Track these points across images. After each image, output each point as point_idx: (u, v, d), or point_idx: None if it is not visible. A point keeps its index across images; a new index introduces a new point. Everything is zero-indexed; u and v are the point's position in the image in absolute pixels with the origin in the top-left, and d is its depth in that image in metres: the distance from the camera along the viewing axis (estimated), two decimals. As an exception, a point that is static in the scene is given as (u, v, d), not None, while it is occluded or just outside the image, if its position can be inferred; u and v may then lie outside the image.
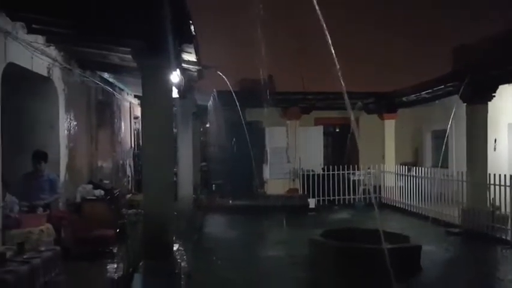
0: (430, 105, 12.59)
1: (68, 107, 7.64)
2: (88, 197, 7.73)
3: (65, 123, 7.55)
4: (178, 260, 5.37)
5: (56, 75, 7.16)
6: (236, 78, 13.02)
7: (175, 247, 5.97)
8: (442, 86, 10.55)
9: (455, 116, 9.81)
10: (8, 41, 5.43)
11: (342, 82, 4.22)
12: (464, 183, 9.33)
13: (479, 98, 9.15)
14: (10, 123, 6.39)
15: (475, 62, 8.99)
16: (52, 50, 6.87)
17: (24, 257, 4.33)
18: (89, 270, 6.17)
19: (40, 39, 6.37)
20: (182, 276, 5.02)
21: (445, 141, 10.50)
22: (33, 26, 5.85)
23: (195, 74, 8.28)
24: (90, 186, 8.10)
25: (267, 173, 14.05)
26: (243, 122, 10.31)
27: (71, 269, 5.65)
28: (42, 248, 4.76)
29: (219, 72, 8.57)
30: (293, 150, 13.78)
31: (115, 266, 6.02)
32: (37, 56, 6.31)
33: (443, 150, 10.27)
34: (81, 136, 8.44)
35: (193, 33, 5.41)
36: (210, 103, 11.99)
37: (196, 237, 8.56)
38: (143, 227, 5.09)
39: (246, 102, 11.49)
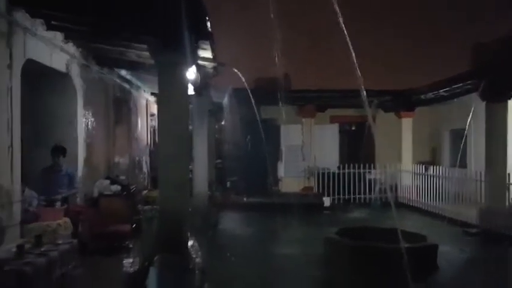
0: (448, 103, 12.41)
1: (86, 103, 7.74)
2: (105, 193, 7.83)
3: (83, 119, 7.66)
4: (193, 256, 5.39)
5: (74, 72, 7.26)
6: (251, 76, 12.99)
7: (190, 243, 5.99)
8: (461, 84, 10.37)
9: (474, 114, 9.65)
10: (27, 38, 5.53)
11: (360, 79, 4.18)
12: (483, 183, 9.18)
13: (498, 96, 8.97)
14: (29, 118, 6.52)
15: (495, 60, 8.82)
16: (70, 47, 6.98)
17: (42, 249, 4.40)
18: (105, 263, 6.25)
19: (59, 35, 6.47)
20: (196, 271, 5.04)
21: (463, 140, 10.35)
22: (52, 22, 5.94)
23: (211, 71, 8.30)
24: (107, 181, 8.20)
25: (281, 170, 14.03)
26: (258, 120, 10.29)
27: (88, 263, 5.72)
28: (60, 241, 4.82)
29: (234, 69, 8.56)
30: (308, 148, 13.72)
31: (131, 260, 6.07)
32: (56, 52, 6.41)
33: (461, 149, 10.12)
34: (99, 132, 8.54)
35: (209, 29, 5.41)
36: (225, 100, 12.02)
37: (211, 233, 8.60)
38: (159, 222, 5.12)
39: (261, 99, 11.46)
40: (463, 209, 9.63)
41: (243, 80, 9.62)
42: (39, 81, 6.83)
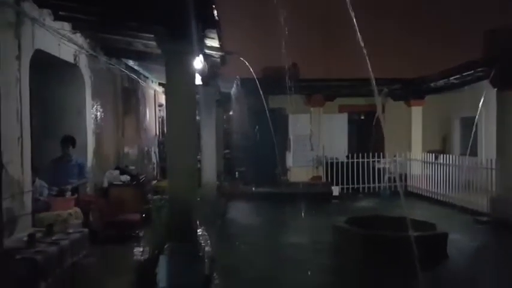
0: (459, 91, 12.24)
1: (95, 94, 7.77)
2: (115, 182, 7.90)
3: (92, 110, 7.69)
4: (202, 244, 5.43)
5: (83, 62, 7.28)
6: (259, 65, 12.91)
7: (199, 232, 6.03)
8: (472, 72, 10.23)
9: (484, 102, 9.52)
10: (35, 28, 5.54)
11: (369, 67, 4.12)
12: (494, 171, 9.09)
13: (510, 83, 8.84)
14: (39, 109, 6.57)
15: (506, 47, 8.66)
16: (78, 37, 6.98)
17: (53, 238, 4.46)
18: (115, 252, 6.32)
19: (66, 26, 6.47)
20: (206, 259, 5.08)
21: (474, 128, 10.23)
22: (60, 13, 5.95)
23: (218, 60, 8.27)
24: (117, 171, 8.27)
25: (290, 160, 14.01)
26: (266, 109, 10.25)
27: (98, 251, 5.79)
28: (71, 230, 4.88)
29: (242, 59, 8.53)
30: (317, 138, 13.67)
31: (141, 248, 6.14)
32: (64, 43, 6.42)
33: (472, 137, 10.01)
34: (108, 122, 8.58)
35: (217, 18, 5.38)
36: (233, 90, 11.98)
37: (220, 222, 8.63)
38: (168, 211, 5.15)
39: (269, 89, 11.42)
40: (474, 197, 9.56)
41: (251, 69, 9.59)
42: (47, 72, 6.86)
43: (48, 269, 3.95)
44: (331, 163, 12.88)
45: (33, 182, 5.65)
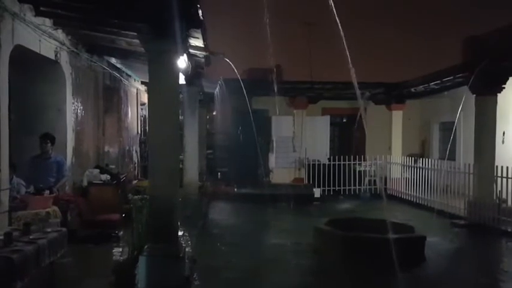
0: (438, 96, 12.48)
1: (75, 91, 7.66)
2: (95, 181, 7.79)
3: (72, 107, 7.58)
4: (183, 245, 5.40)
5: (64, 59, 7.17)
6: (243, 66, 12.95)
7: (181, 232, 6.00)
8: (451, 77, 10.43)
9: (463, 107, 9.71)
10: (15, 23, 5.43)
11: (352, 71, 4.18)
12: (471, 176, 9.27)
13: (488, 89, 9.04)
14: (18, 106, 6.44)
15: (485, 53, 8.86)
16: (60, 34, 6.88)
17: (31, 237, 4.37)
18: (94, 252, 6.25)
19: (48, 22, 6.37)
20: (186, 260, 5.05)
21: (452, 133, 10.42)
22: (41, 8, 5.84)
23: (202, 60, 8.24)
24: (97, 170, 8.15)
25: (272, 161, 14.04)
26: (250, 111, 10.27)
27: (77, 251, 5.72)
28: (49, 230, 4.80)
29: (226, 59, 8.50)
30: (299, 140, 13.74)
31: (120, 249, 6.07)
32: (45, 39, 6.32)
33: (450, 142, 10.20)
34: (88, 120, 8.47)
35: (201, 17, 5.36)
36: (216, 91, 11.95)
37: (201, 223, 8.60)
38: (149, 211, 5.11)
39: (252, 90, 11.44)
40: (452, 201, 9.73)
41: (235, 70, 9.58)
42: (28, 68, 6.74)
43: (24, 268, 3.88)
44: (313, 165, 12.96)
45: (11, 179, 5.54)
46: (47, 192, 5.85)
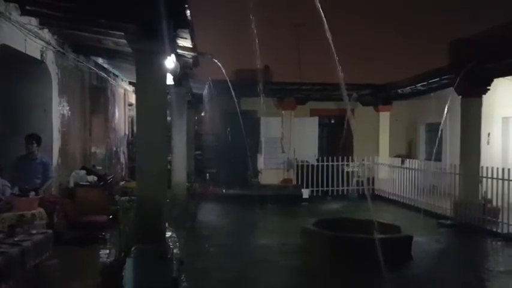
0: (425, 98, 12.61)
1: (62, 91, 7.57)
2: (81, 183, 7.71)
3: (59, 108, 7.50)
4: (171, 246, 5.37)
5: (50, 59, 7.09)
6: (232, 67, 12.93)
7: (168, 234, 5.97)
8: (437, 79, 10.56)
9: (449, 109, 9.83)
10: (1, 22, 5.36)
11: (339, 72, 4.20)
12: (457, 176, 9.38)
13: (474, 91, 9.16)
14: (3, 105, 6.35)
15: (471, 55, 8.98)
16: (46, 33, 6.80)
17: (15, 239, 4.30)
18: (80, 254, 6.18)
19: (34, 21, 6.30)
20: (174, 261, 5.03)
21: (438, 134, 10.54)
22: (27, 7, 5.77)
23: (191, 61, 8.21)
24: (84, 171, 8.07)
25: (261, 162, 14.05)
26: (238, 112, 10.26)
27: (63, 253, 5.65)
28: (34, 231, 4.73)
29: (214, 60, 8.48)
30: (288, 141, 13.78)
31: (107, 250, 6.01)
32: (31, 38, 6.24)
33: (436, 143, 10.31)
34: (75, 121, 8.38)
35: (189, 18, 5.34)
36: (205, 91, 11.92)
37: (189, 224, 8.57)
38: (136, 213, 5.07)
39: (241, 91, 11.44)
40: (438, 201, 9.84)
41: (223, 71, 9.57)
42: (13, 67, 6.64)
43: (9, 270, 3.82)
44: (302, 166, 12.99)
45: (-5, 180, 5.46)
46: (33, 193, 5.75)
